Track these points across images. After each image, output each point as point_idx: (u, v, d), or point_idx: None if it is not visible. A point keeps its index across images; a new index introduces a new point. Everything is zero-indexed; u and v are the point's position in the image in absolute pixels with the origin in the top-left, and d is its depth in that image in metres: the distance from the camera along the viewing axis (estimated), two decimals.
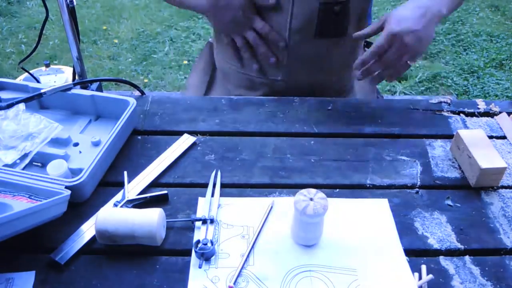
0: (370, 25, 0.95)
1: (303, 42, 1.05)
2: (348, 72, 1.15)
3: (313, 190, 0.73)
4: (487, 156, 0.86)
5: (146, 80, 2.78)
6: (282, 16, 1.03)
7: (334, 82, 1.15)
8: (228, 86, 1.20)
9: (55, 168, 0.81)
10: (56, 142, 0.90)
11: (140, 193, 0.82)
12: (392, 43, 0.88)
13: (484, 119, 1.04)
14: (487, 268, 0.74)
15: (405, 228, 0.79)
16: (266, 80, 1.11)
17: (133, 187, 0.83)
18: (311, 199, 0.72)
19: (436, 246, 0.77)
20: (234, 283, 0.70)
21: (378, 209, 0.82)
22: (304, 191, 0.73)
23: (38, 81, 1.21)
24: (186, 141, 0.93)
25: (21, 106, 0.91)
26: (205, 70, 1.26)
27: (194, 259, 0.73)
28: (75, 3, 1.01)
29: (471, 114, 1.05)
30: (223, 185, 0.85)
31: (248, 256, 0.74)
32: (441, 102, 1.07)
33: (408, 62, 0.91)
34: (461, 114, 1.04)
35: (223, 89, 1.21)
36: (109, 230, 0.72)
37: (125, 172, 0.84)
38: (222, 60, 1.18)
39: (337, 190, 0.85)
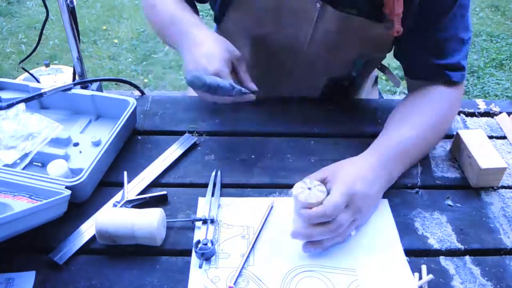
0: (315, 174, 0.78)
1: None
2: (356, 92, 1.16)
3: (316, 182, 0.73)
4: (487, 156, 0.86)
5: (146, 80, 2.79)
6: (289, 85, 1.04)
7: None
8: None
9: (55, 168, 0.81)
10: (57, 142, 0.90)
11: (140, 193, 0.82)
12: (348, 204, 0.72)
13: (484, 119, 1.04)
14: (487, 268, 0.74)
15: (405, 228, 0.79)
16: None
17: (133, 187, 0.83)
18: (309, 188, 0.72)
19: (436, 246, 0.77)
20: (234, 283, 0.70)
21: (378, 209, 0.82)
22: (306, 180, 0.73)
23: (38, 81, 1.21)
24: (186, 141, 0.93)
25: (22, 106, 0.91)
26: None
27: (194, 259, 0.73)
28: (75, 3, 1.01)
29: (471, 114, 1.05)
30: (223, 185, 0.85)
31: (248, 256, 0.74)
32: None
33: (351, 232, 0.76)
34: (461, 114, 1.04)
35: None
36: (109, 231, 0.72)
37: (125, 172, 0.84)
38: None
39: None
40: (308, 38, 0.95)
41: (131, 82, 1.07)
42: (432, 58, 0.91)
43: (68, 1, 0.99)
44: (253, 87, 0.85)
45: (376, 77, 1.24)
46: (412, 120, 0.88)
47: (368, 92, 1.23)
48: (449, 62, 0.91)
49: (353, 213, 0.73)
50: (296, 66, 1.01)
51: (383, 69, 1.11)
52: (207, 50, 0.79)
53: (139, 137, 0.95)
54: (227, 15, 0.99)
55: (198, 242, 0.74)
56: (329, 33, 0.93)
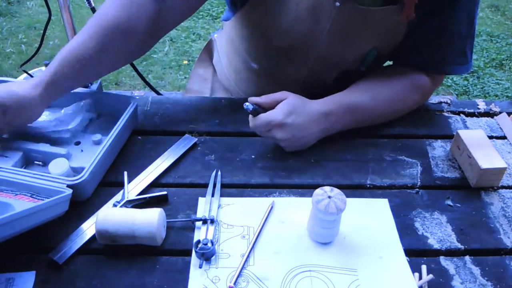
0: (269, 97, 0.89)
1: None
2: None
3: (327, 188, 0.73)
4: (487, 156, 0.86)
5: None
6: (299, 77, 1.03)
7: None
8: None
9: (56, 166, 0.81)
10: (58, 141, 0.90)
11: (140, 193, 0.82)
12: (279, 128, 0.86)
13: (484, 119, 1.04)
14: (487, 268, 0.74)
15: (405, 228, 0.79)
16: None
17: (133, 187, 0.83)
18: (329, 197, 0.72)
19: (436, 246, 0.77)
20: (235, 283, 0.70)
21: (378, 209, 0.82)
22: (318, 190, 0.73)
23: None
24: (186, 141, 0.93)
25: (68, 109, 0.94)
26: (204, 76, 1.26)
27: (194, 259, 0.73)
28: (92, 4, 1.01)
29: (471, 114, 1.05)
30: (223, 185, 0.85)
31: (248, 256, 0.74)
32: (441, 102, 1.07)
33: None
34: (461, 114, 1.04)
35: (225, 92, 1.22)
36: (109, 230, 0.72)
37: (125, 172, 0.84)
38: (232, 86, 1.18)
39: None
40: (325, 32, 0.93)
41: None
42: (420, 46, 0.95)
43: (86, 3, 0.99)
44: None
45: None
46: (371, 87, 0.95)
47: None
48: (431, 54, 0.95)
49: (281, 136, 0.86)
50: (308, 59, 1.00)
51: None
52: None
53: (139, 137, 0.95)
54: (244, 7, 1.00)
55: (198, 242, 0.74)
56: (346, 27, 0.92)
